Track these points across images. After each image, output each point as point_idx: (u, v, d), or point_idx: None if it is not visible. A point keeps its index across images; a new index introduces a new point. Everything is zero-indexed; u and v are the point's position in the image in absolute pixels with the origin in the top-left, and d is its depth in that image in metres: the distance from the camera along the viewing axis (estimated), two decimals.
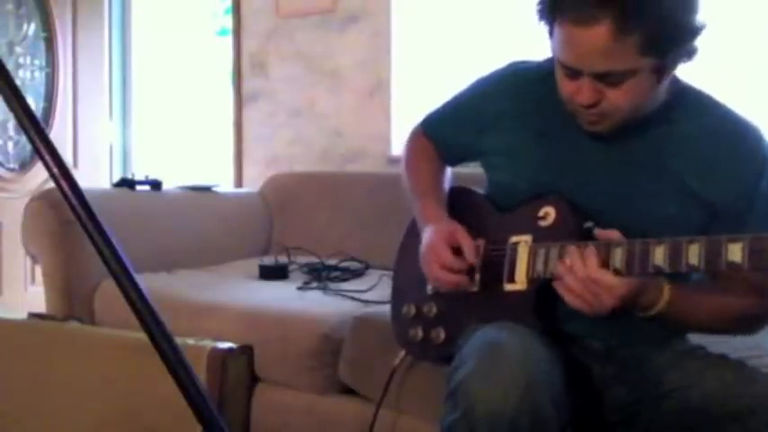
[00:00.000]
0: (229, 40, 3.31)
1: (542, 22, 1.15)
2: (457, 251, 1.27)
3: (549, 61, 1.22)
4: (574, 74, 1.13)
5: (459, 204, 1.41)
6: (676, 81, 1.21)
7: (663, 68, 1.11)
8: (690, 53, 1.11)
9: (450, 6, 2.83)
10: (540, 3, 1.15)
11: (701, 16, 1.08)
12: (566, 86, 1.16)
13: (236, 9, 3.24)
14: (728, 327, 1.22)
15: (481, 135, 1.38)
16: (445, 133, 1.48)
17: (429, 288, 1.38)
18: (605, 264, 1.09)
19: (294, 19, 3.08)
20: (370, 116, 2.91)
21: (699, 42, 1.10)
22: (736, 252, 0.98)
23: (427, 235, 1.32)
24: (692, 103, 1.23)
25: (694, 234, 1.06)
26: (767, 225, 1.13)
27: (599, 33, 1.05)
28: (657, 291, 1.12)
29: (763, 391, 1.09)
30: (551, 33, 1.14)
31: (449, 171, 1.52)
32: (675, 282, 1.13)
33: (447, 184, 1.49)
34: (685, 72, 1.20)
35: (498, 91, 1.37)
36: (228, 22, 3.36)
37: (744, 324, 1.22)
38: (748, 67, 2.26)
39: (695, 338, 1.28)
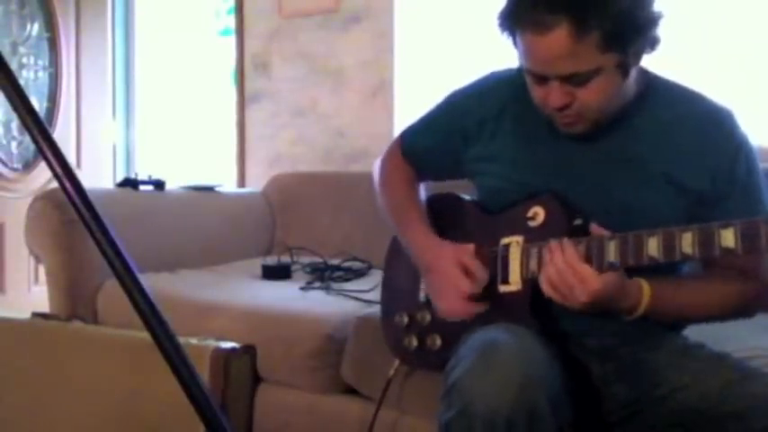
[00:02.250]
0: (232, 40, 3.31)
1: (505, 35, 1.18)
2: (466, 273, 1.26)
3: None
4: (541, 79, 1.16)
5: (446, 211, 1.41)
6: (645, 73, 1.23)
7: (626, 63, 1.13)
8: (652, 44, 1.13)
9: (453, 6, 2.83)
10: (499, 17, 1.17)
11: (657, 6, 1.11)
12: (536, 92, 1.19)
13: (239, 9, 3.25)
14: (720, 313, 1.22)
15: (465, 144, 1.38)
16: (428, 146, 1.48)
17: (421, 295, 1.38)
18: (600, 259, 1.10)
19: (297, 19, 3.08)
20: (373, 116, 2.91)
21: (660, 32, 1.12)
22: (728, 237, 1.00)
23: (431, 261, 1.31)
24: (663, 93, 1.25)
25: (682, 223, 1.07)
26: (749, 206, 1.16)
27: (558, 38, 1.08)
28: (637, 293, 1.13)
29: (763, 391, 1.09)
30: (515, 44, 1.17)
31: (421, 187, 1.51)
32: (655, 277, 1.14)
33: (423, 199, 1.49)
34: (665, 63, 1.23)
35: (479, 99, 1.38)
36: (231, 22, 3.36)
37: (737, 309, 1.22)
38: (726, 57, 2.29)
39: (695, 337, 1.27)
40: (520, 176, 1.29)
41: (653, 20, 1.11)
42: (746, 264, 1.17)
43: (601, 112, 1.17)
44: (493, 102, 1.36)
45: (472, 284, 1.25)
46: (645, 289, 1.14)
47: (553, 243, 1.14)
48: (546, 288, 1.14)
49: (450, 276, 1.27)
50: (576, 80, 1.12)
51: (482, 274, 1.26)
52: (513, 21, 1.14)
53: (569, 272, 1.10)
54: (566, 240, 1.13)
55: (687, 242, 1.03)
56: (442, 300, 1.30)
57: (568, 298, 1.11)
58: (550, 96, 1.15)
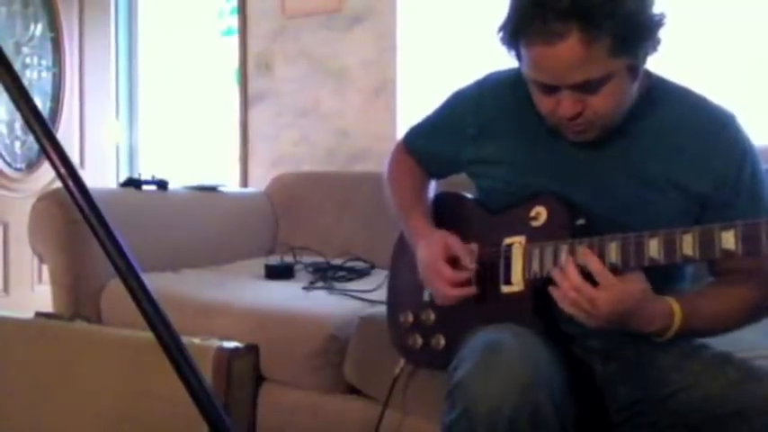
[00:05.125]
0: (235, 39, 3.31)
1: (506, 48, 1.16)
2: (454, 261, 1.26)
3: None
4: (551, 90, 1.14)
5: (449, 209, 1.41)
6: (648, 75, 1.23)
7: (636, 65, 1.12)
8: (655, 45, 1.12)
9: (455, 6, 2.82)
10: (500, 30, 1.15)
11: (658, 7, 1.10)
12: (544, 103, 1.17)
13: (242, 9, 3.25)
14: (743, 321, 1.21)
15: (465, 146, 1.38)
16: (428, 146, 1.49)
17: (426, 294, 1.38)
18: (601, 260, 1.10)
19: (300, 19, 3.09)
20: (376, 116, 2.91)
21: (662, 33, 1.11)
22: (729, 239, 0.99)
23: (421, 252, 1.31)
24: (666, 95, 1.24)
25: (685, 226, 1.07)
26: (754, 209, 1.15)
27: (569, 47, 1.06)
28: (667, 313, 1.12)
29: (766, 391, 1.08)
30: (518, 57, 1.15)
31: (432, 184, 1.52)
32: (680, 295, 1.14)
33: (431, 196, 1.48)
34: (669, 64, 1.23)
35: (479, 101, 1.37)
36: (234, 21, 3.37)
37: (756, 314, 1.21)
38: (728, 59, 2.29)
39: None
40: (521, 179, 1.29)
41: (658, 21, 1.10)
42: (753, 266, 1.17)
43: (612, 118, 1.16)
44: (492, 104, 1.35)
45: (454, 272, 1.25)
46: (675, 309, 1.12)
47: (555, 271, 1.12)
48: (562, 303, 1.12)
49: (435, 266, 1.26)
50: (588, 87, 1.11)
51: (467, 260, 1.25)
52: (517, 33, 1.12)
53: (579, 297, 1.08)
54: (568, 262, 1.11)
55: (688, 243, 1.03)
56: (430, 284, 1.30)
57: (590, 312, 1.09)
58: (561, 106, 1.13)
